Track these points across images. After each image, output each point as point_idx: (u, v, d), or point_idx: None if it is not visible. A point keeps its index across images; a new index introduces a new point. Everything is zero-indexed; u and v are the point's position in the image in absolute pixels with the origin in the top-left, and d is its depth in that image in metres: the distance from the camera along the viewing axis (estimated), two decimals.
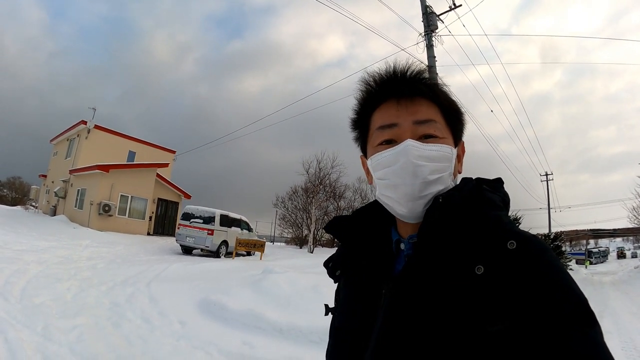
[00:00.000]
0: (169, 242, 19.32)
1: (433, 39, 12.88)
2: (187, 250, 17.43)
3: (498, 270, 0.69)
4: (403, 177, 0.79)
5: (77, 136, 24.72)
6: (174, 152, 29.01)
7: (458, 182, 0.86)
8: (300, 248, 27.98)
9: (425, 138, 0.82)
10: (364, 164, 0.94)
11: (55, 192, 24.03)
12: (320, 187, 26.76)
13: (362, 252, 0.93)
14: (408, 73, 0.86)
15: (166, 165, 24.56)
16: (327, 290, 6.62)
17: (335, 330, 0.95)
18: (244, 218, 19.70)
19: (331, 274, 1.02)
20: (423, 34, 12.95)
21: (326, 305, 1.03)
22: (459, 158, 0.91)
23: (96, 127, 23.94)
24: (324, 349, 3.54)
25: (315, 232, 26.58)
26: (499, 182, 0.89)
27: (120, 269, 10.57)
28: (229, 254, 17.32)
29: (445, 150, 0.82)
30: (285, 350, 4.90)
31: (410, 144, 0.79)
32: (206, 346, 5.02)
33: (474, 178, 0.87)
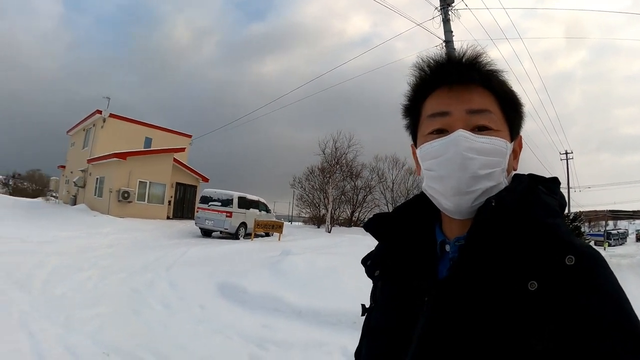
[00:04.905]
0: (189, 225, 19.55)
1: (450, 12, 12.49)
2: (206, 233, 17.68)
3: (553, 287, 0.64)
4: (450, 169, 0.75)
5: (93, 126, 24.95)
6: (190, 136, 29.15)
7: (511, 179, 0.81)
8: (318, 228, 27.85)
9: (478, 130, 0.77)
10: (414, 154, 0.89)
11: (74, 182, 24.48)
12: (337, 166, 26.51)
13: (403, 253, 0.88)
14: (464, 58, 0.81)
15: (183, 149, 24.74)
16: (345, 270, 6.59)
17: (370, 330, 0.91)
18: (261, 199, 19.84)
19: (369, 273, 0.97)
20: (439, 7, 12.56)
21: (363, 306, 0.98)
22: (515, 154, 0.85)
23: (111, 115, 24.10)
24: (342, 330, 3.54)
25: (333, 212, 26.44)
26: (555, 182, 0.83)
27: (140, 254, 10.73)
28: (247, 236, 17.51)
29: (499, 144, 0.77)
30: (304, 333, 4.89)
31: (461, 134, 0.74)
32: (226, 330, 5.04)
33: (526, 175, 0.82)
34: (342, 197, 28.81)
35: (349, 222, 29.58)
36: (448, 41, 12.09)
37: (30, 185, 40.80)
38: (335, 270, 6.78)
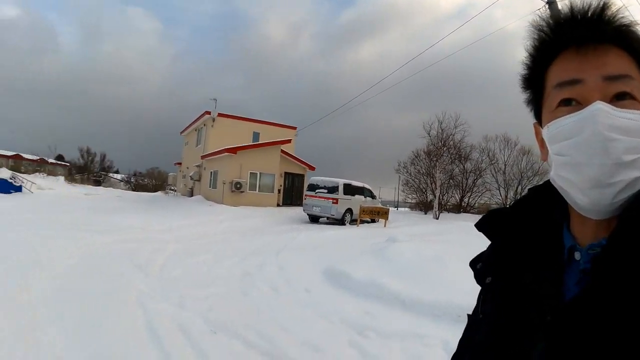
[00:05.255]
0: (297, 211, 20.32)
1: None
2: (314, 219, 18.27)
3: None
4: (588, 154, 0.58)
5: (204, 125, 27.64)
6: (295, 128, 30.30)
7: None
8: (425, 214, 26.71)
9: (617, 99, 0.60)
10: (538, 134, 0.73)
11: (190, 176, 27.66)
12: (444, 149, 25.02)
13: (522, 258, 0.72)
14: (590, 11, 0.64)
15: (289, 141, 25.63)
16: (452, 260, 6.24)
17: (476, 346, 0.76)
18: (366, 186, 19.89)
19: (479, 279, 0.82)
20: None
21: (469, 316, 0.84)
22: None
23: (220, 115, 26.36)
24: (444, 324, 3.31)
25: (440, 197, 25.08)
26: None
27: (252, 240, 11.30)
28: (353, 222, 17.63)
29: None
30: (406, 323, 4.70)
31: (600, 107, 0.58)
32: (329, 315, 5.04)
33: None
34: (451, 181, 27.10)
35: (458, 208, 27.87)
36: (551, 2, 10.80)
37: (151, 181, 46.16)
38: (441, 260, 6.43)
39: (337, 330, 4.55)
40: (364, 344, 4.14)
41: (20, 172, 27.39)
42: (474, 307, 0.83)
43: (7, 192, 20.21)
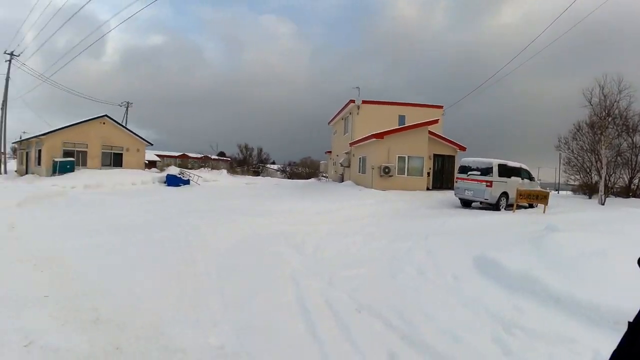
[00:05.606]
0: (448, 195, 19.71)
1: None
2: (465, 204, 17.55)
3: None
4: None
5: (350, 114, 28.88)
6: (441, 107, 29.18)
7: None
8: (590, 198, 22.85)
9: None
10: None
11: (340, 163, 29.23)
12: (609, 119, 20.54)
13: None
14: None
15: (436, 121, 24.81)
16: (618, 256, 5.41)
17: (632, 358, 0.69)
18: (523, 166, 18.20)
19: None
20: None
21: (629, 324, 0.76)
22: None
23: (364, 102, 27.40)
24: (599, 329, 3.35)
25: (607, 179, 20.87)
26: None
27: (400, 223, 11.48)
28: (509, 207, 16.47)
29: None
30: (556, 323, 4.27)
31: None
32: (475, 305, 4.90)
33: None
34: (618, 158, 22.33)
35: (626, 192, 22.90)
36: None
37: (304, 170, 50.43)
38: (606, 255, 5.61)
39: (482, 323, 4.38)
40: (509, 341, 3.91)
41: (187, 169, 32.26)
42: (636, 313, 0.74)
43: (177, 185, 24.77)
